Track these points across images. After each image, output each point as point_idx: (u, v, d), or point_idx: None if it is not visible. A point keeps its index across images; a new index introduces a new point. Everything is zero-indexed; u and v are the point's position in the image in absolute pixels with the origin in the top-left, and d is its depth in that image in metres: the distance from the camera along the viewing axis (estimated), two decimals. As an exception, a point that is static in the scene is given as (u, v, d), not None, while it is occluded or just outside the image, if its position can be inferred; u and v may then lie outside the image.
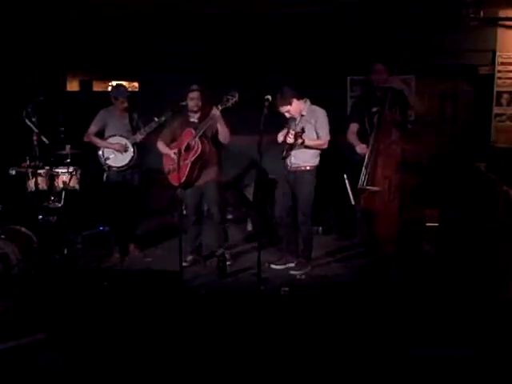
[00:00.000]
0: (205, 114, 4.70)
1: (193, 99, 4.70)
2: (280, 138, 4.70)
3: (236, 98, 4.49)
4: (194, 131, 4.63)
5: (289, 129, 4.66)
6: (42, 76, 6.77)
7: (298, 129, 4.58)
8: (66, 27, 6.53)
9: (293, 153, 4.68)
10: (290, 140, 4.55)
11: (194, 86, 4.74)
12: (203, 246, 5.15)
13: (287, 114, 4.67)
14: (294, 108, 4.65)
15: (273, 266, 4.87)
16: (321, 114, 4.68)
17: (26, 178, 4.91)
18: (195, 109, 4.72)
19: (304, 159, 4.70)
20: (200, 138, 4.60)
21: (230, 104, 4.51)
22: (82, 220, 5.42)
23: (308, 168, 4.71)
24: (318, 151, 4.71)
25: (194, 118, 4.77)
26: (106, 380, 3.02)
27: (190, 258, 4.93)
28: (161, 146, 4.86)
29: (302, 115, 4.68)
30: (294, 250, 4.97)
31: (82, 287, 4.27)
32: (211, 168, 4.82)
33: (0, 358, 3.15)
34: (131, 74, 7.33)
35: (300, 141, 4.55)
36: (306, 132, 4.55)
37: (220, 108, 4.54)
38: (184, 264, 4.64)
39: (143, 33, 6.59)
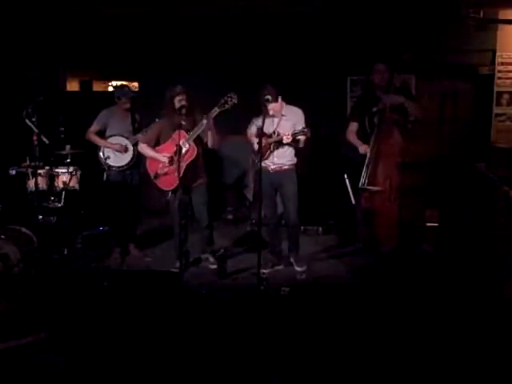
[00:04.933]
0: (192, 114, 4.57)
1: (181, 101, 4.52)
2: (263, 141, 4.50)
3: (235, 100, 4.39)
4: (186, 134, 4.51)
5: (260, 130, 4.54)
6: (42, 76, 6.77)
7: (283, 128, 4.53)
8: (65, 27, 6.54)
9: (275, 153, 4.65)
10: (288, 140, 4.48)
11: (180, 88, 4.55)
12: (192, 251, 5.04)
13: (271, 112, 4.53)
14: (279, 106, 4.57)
15: (261, 271, 4.63)
16: (302, 115, 4.64)
17: (26, 178, 4.92)
18: (184, 111, 4.51)
19: (288, 158, 4.69)
20: (194, 140, 4.53)
21: (228, 106, 4.41)
22: (82, 220, 5.42)
23: (292, 166, 4.72)
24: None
25: (182, 120, 4.53)
26: (106, 380, 3.02)
27: (178, 263, 4.66)
28: (145, 149, 4.71)
29: (283, 115, 4.61)
30: (279, 252, 4.96)
31: (81, 287, 4.27)
32: (200, 171, 4.73)
33: (0, 358, 3.15)
34: (131, 74, 7.34)
35: (293, 143, 4.51)
36: (289, 131, 4.50)
37: (218, 110, 4.44)
38: (173, 270, 4.63)
39: (143, 33, 6.59)
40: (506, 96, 6.49)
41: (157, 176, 4.71)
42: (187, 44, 6.60)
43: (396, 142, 4.49)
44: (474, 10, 6.07)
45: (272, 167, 4.69)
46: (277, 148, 4.63)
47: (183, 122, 4.55)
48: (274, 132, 4.62)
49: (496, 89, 6.48)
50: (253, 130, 4.73)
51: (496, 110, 6.51)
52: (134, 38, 6.63)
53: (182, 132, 4.50)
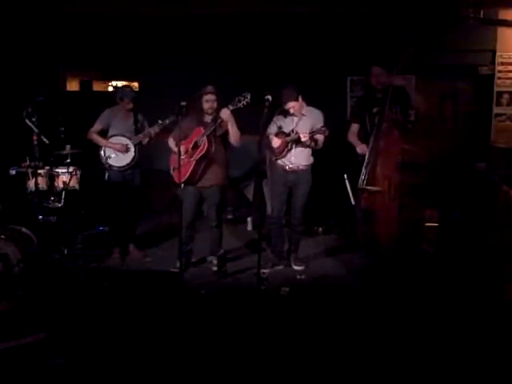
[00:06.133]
0: (216, 112, 4.61)
1: (208, 101, 4.58)
2: (277, 141, 4.67)
3: (248, 99, 4.40)
4: (203, 130, 4.56)
5: (281, 128, 4.68)
6: (42, 76, 6.77)
7: (301, 128, 4.58)
8: (66, 27, 6.54)
9: (293, 152, 4.70)
10: (305, 139, 4.52)
11: (210, 88, 4.60)
12: (195, 250, 4.98)
13: (291, 110, 4.64)
14: (299, 105, 4.65)
15: (261, 271, 4.49)
16: (321, 116, 4.71)
17: (26, 178, 4.91)
18: (210, 111, 4.60)
19: (305, 158, 4.74)
20: (207, 136, 4.54)
21: (241, 105, 4.43)
22: (82, 220, 5.42)
23: (308, 167, 4.77)
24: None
25: (208, 119, 4.65)
26: (106, 380, 3.03)
27: (178, 263, 4.59)
28: (170, 143, 4.77)
29: (303, 114, 4.69)
30: (280, 252, 4.97)
31: (81, 287, 4.27)
32: (217, 170, 4.70)
33: (0, 358, 3.15)
34: (131, 73, 7.34)
35: (312, 142, 4.57)
36: (307, 131, 4.55)
37: (231, 108, 4.46)
38: (173, 270, 4.65)
39: (143, 33, 6.60)
40: (506, 96, 6.49)
41: (174, 169, 4.71)
42: (187, 44, 6.60)
43: (395, 142, 4.49)
44: (473, 9, 6.08)
45: (289, 166, 4.73)
46: (295, 147, 4.67)
47: (208, 120, 4.64)
48: (293, 131, 4.66)
49: (496, 89, 6.49)
50: (272, 129, 4.78)
51: (496, 109, 6.52)
52: (134, 37, 6.63)
53: (200, 128, 4.58)
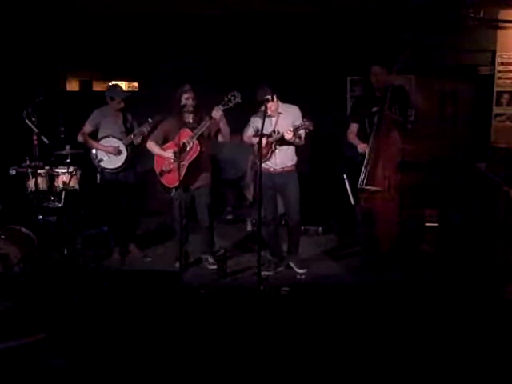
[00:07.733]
0: (199, 113, 4.63)
1: (188, 99, 4.58)
2: (264, 141, 4.47)
3: (238, 99, 4.39)
4: (191, 132, 4.56)
5: (259, 130, 4.50)
6: (42, 76, 6.77)
7: (282, 127, 4.50)
8: (66, 27, 6.53)
9: (277, 154, 4.62)
10: (289, 136, 4.40)
11: (187, 86, 4.60)
12: (192, 251, 5.06)
13: (268, 112, 4.44)
14: (275, 105, 4.53)
15: (264, 273, 4.56)
16: (298, 111, 4.59)
17: (26, 178, 4.91)
18: (191, 109, 4.61)
19: (290, 158, 4.68)
20: (198, 139, 4.55)
21: (231, 104, 4.41)
22: (82, 220, 5.42)
23: (294, 167, 4.71)
24: None
25: (189, 119, 4.66)
26: (105, 380, 3.03)
27: (177, 264, 4.69)
28: (152, 147, 4.74)
29: (280, 113, 4.59)
30: (279, 254, 4.95)
31: (81, 287, 4.27)
32: (205, 172, 4.76)
33: (0, 358, 3.15)
34: (131, 74, 7.33)
35: (297, 138, 4.47)
36: (290, 128, 4.43)
37: (222, 108, 4.45)
38: (173, 270, 4.65)
39: (143, 33, 6.59)
40: (506, 96, 6.49)
41: (162, 173, 4.73)
42: (187, 44, 6.59)
43: (395, 142, 4.49)
44: (473, 9, 6.08)
45: (274, 168, 4.67)
46: (279, 147, 4.60)
47: (190, 121, 4.62)
48: (274, 131, 4.58)
49: (496, 89, 6.48)
50: (249, 132, 4.70)
51: (496, 110, 6.51)
52: (134, 37, 6.63)
53: (187, 130, 4.56)
